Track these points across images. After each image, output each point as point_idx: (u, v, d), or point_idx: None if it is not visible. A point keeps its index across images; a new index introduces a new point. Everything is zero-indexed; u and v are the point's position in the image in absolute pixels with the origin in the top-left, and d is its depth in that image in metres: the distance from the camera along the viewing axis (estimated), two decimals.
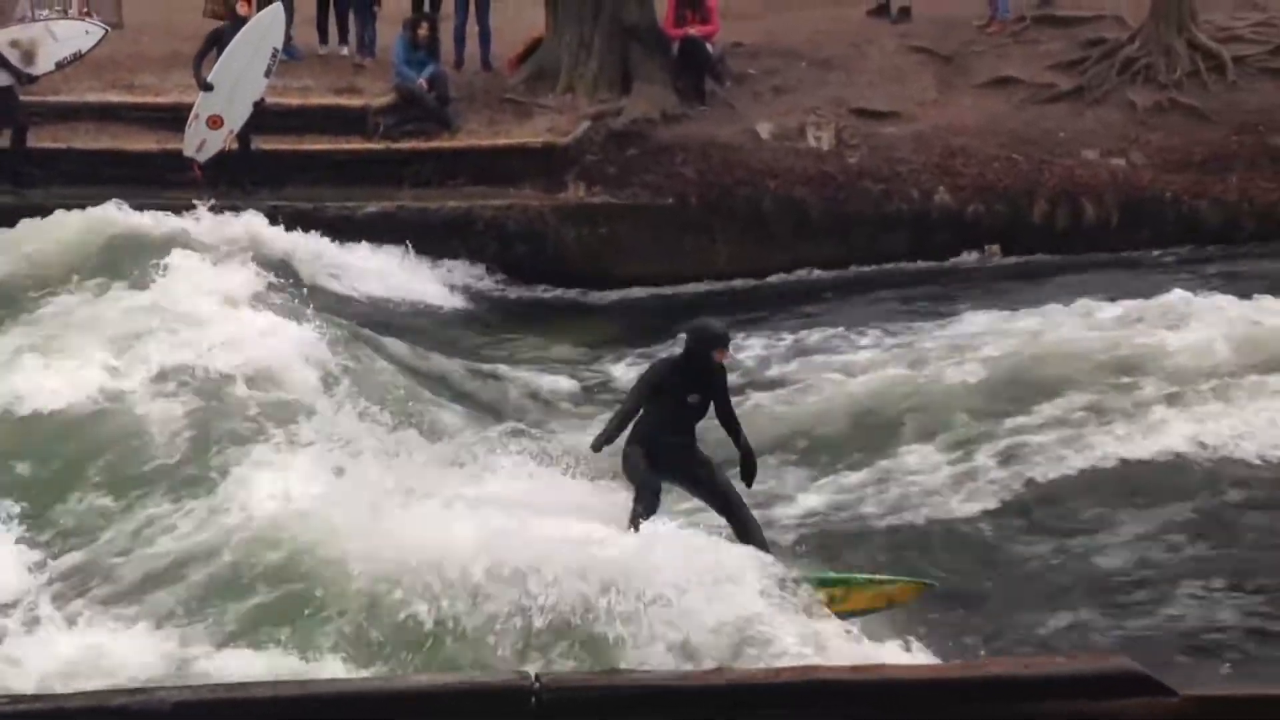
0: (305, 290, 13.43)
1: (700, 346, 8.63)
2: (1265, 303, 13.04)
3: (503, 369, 13.54)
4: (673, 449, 8.56)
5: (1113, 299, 13.95)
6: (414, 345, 13.41)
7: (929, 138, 17.24)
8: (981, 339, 13.27)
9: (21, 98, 16.08)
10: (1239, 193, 16.89)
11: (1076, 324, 13.41)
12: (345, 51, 18.31)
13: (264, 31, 15.87)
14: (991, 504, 10.38)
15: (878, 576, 8.78)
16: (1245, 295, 13.47)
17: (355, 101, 17.06)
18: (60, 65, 16.50)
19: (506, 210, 16.10)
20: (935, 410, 11.81)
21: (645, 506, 8.32)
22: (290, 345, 11.74)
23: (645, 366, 10.96)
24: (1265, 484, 10.53)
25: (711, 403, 8.64)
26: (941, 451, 11.12)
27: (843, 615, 8.12)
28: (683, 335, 9.29)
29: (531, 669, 6.08)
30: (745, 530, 8.45)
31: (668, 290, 16.02)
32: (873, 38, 19.06)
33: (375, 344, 13.01)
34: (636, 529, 8.09)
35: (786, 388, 12.85)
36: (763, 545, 8.40)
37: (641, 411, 8.54)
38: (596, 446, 8.69)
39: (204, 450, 9.87)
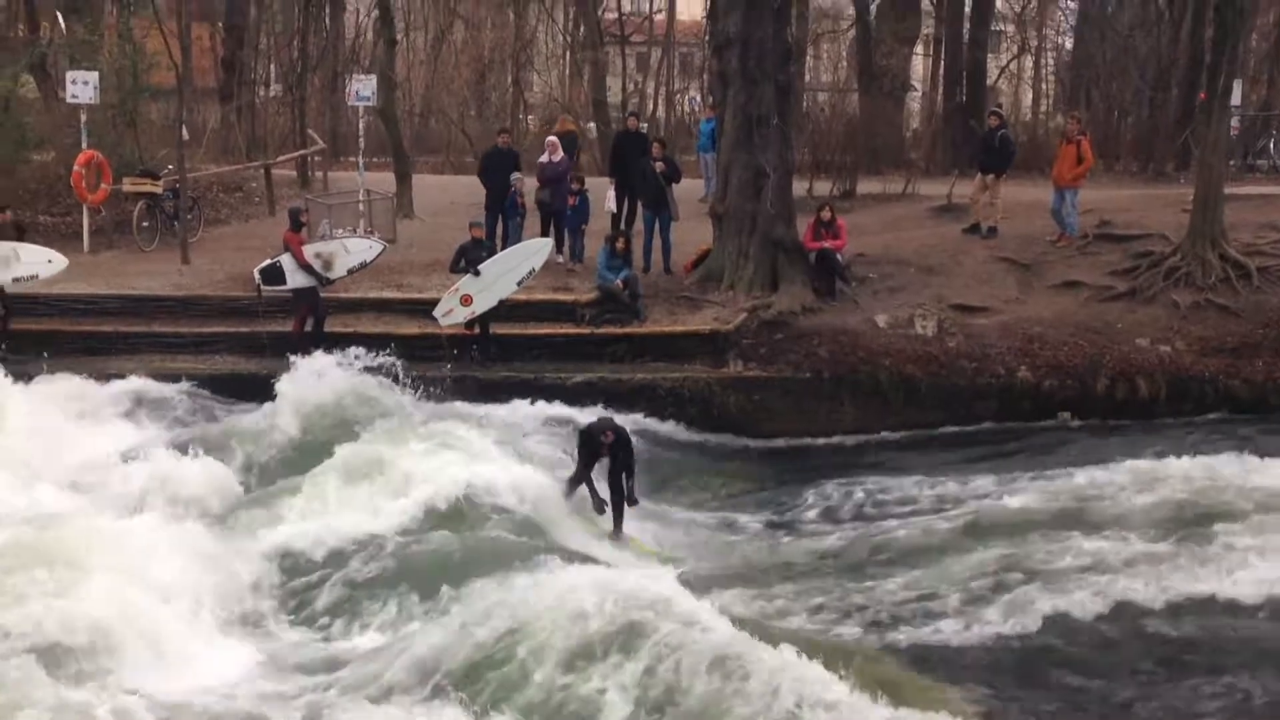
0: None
1: (589, 436, 14.78)
2: None
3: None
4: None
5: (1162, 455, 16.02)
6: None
7: (1012, 327, 19.31)
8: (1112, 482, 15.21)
9: (321, 295, 19.20)
10: (1265, 374, 18.85)
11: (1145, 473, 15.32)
12: (561, 259, 20.96)
13: (532, 253, 19.05)
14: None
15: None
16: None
17: (568, 297, 19.77)
18: (351, 272, 19.62)
19: (682, 381, 18.50)
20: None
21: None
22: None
23: (776, 505, 15.63)
24: None
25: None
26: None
27: None
28: None
29: None
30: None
31: (803, 442, 18.28)
32: (967, 250, 21.37)
33: None
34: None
35: (913, 515, 15.21)
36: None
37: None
38: (566, 495, 14.77)
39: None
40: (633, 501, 15.00)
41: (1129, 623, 12.19)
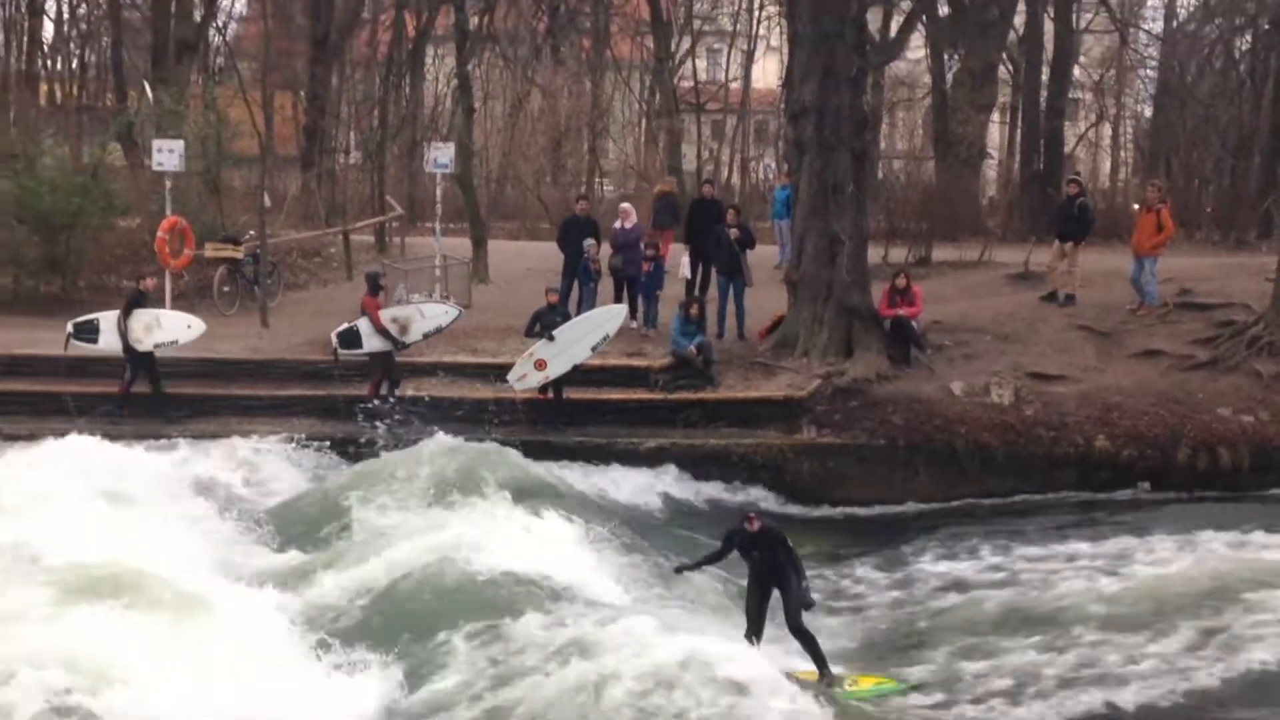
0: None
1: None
2: None
3: None
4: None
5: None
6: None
7: (1091, 395, 19.09)
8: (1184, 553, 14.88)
9: (396, 359, 19.36)
10: None
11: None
12: (635, 325, 21.10)
13: (607, 319, 19.18)
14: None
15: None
16: None
17: (641, 362, 19.85)
18: (426, 336, 19.73)
19: (755, 447, 18.45)
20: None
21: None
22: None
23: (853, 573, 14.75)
24: None
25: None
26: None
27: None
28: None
29: None
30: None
31: (877, 510, 18.09)
32: (1045, 318, 21.21)
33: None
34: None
35: (992, 586, 14.59)
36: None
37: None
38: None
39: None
40: (808, 604, 11.96)
41: None
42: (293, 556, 14.65)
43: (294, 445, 18.28)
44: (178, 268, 22.90)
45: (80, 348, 19.58)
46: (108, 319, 19.47)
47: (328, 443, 18.33)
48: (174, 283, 22.88)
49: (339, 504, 15.71)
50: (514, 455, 16.79)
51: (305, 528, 15.68)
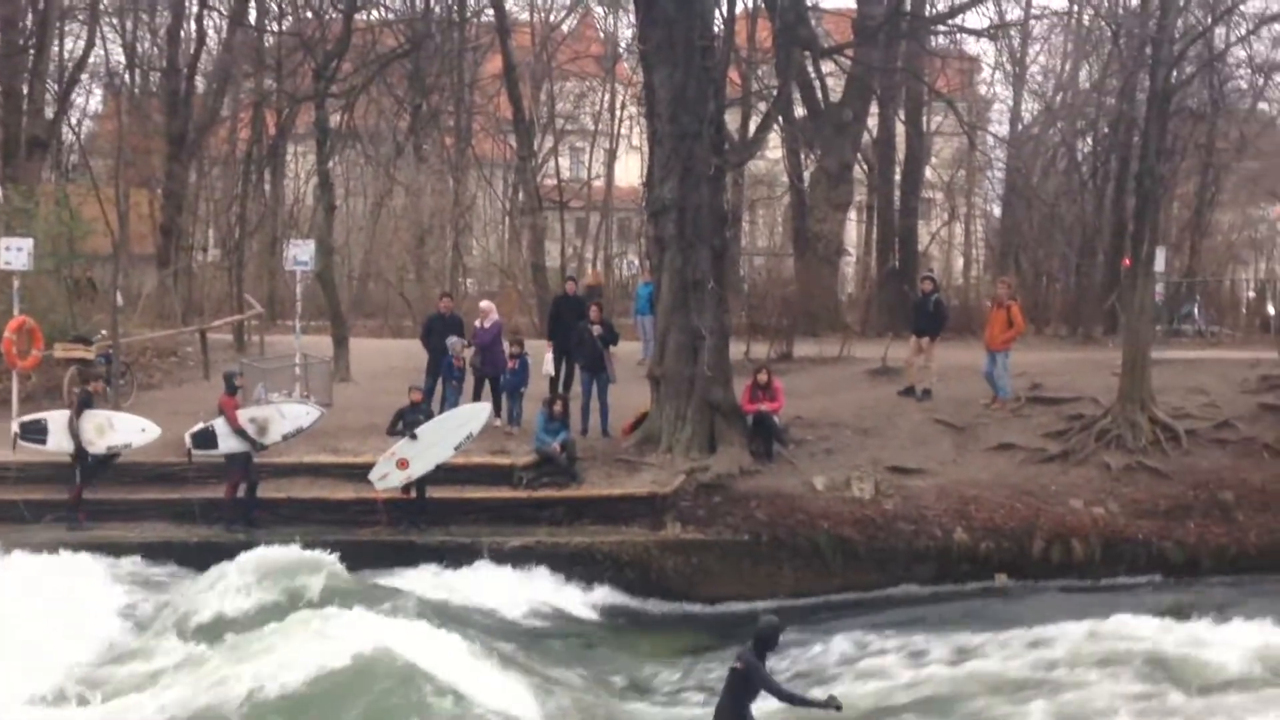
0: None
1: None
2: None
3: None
4: None
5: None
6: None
7: (949, 489, 19.42)
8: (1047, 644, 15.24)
9: (255, 460, 19.01)
10: (1196, 536, 18.93)
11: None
12: (499, 422, 20.88)
13: (470, 418, 19.16)
14: None
15: None
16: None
17: (505, 460, 19.76)
18: (286, 438, 19.42)
19: (620, 544, 18.38)
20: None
21: None
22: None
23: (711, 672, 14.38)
24: None
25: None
26: None
27: None
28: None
29: None
30: None
31: (742, 606, 17.66)
32: (903, 412, 21.56)
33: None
34: None
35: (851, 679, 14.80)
36: None
37: None
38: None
39: None
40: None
41: None
42: None
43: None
44: (25, 368, 22.29)
45: (28, 448, 19.13)
46: (55, 419, 19.14)
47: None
48: (21, 384, 22.25)
49: None
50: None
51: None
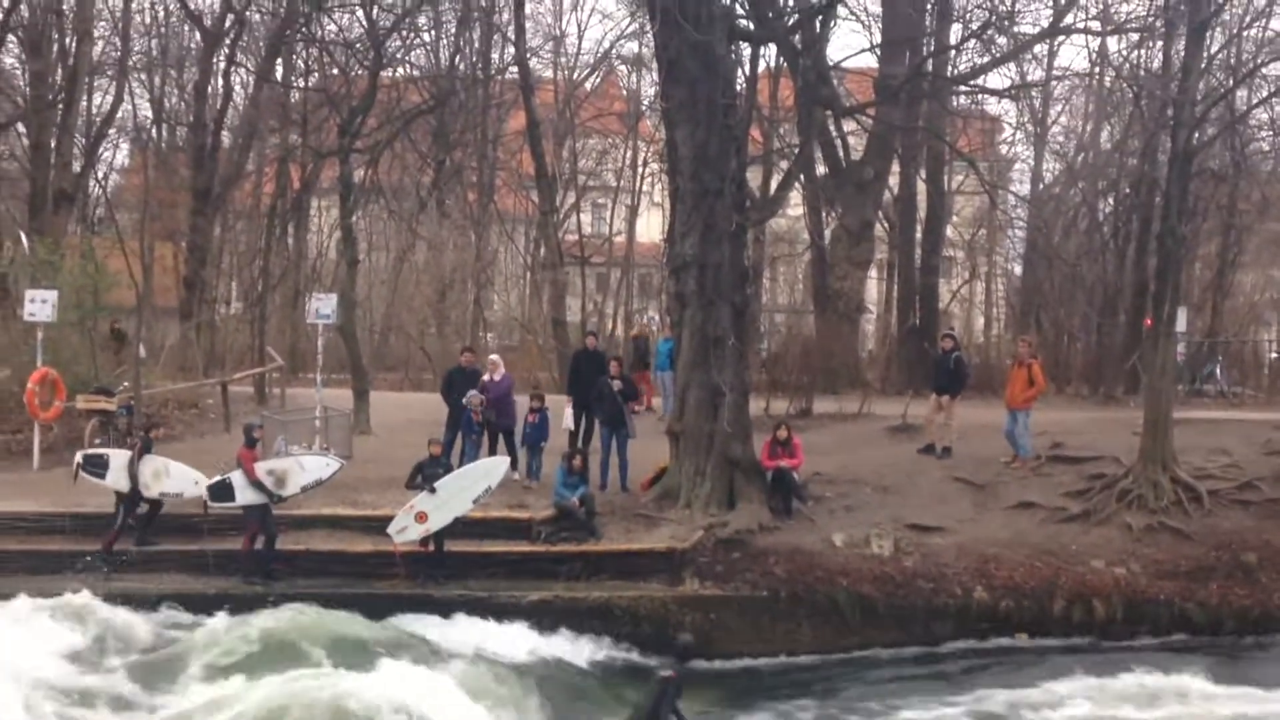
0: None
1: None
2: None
3: None
4: None
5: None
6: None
7: (968, 547, 19.33)
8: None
9: (272, 512, 18.89)
10: (1218, 597, 18.77)
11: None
12: (517, 477, 20.86)
13: (488, 471, 19.15)
14: None
15: None
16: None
17: (523, 514, 19.69)
18: (305, 489, 19.35)
19: (638, 599, 18.28)
20: None
21: None
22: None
23: None
24: None
25: None
26: None
27: None
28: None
29: None
30: None
31: (762, 663, 17.93)
32: (923, 469, 21.54)
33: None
34: None
35: None
36: None
37: None
38: None
39: None
40: None
41: None
42: None
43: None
44: (47, 419, 22.39)
45: (88, 480, 19.37)
46: (118, 456, 19.39)
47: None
48: (43, 435, 22.37)
49: None
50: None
51: None
